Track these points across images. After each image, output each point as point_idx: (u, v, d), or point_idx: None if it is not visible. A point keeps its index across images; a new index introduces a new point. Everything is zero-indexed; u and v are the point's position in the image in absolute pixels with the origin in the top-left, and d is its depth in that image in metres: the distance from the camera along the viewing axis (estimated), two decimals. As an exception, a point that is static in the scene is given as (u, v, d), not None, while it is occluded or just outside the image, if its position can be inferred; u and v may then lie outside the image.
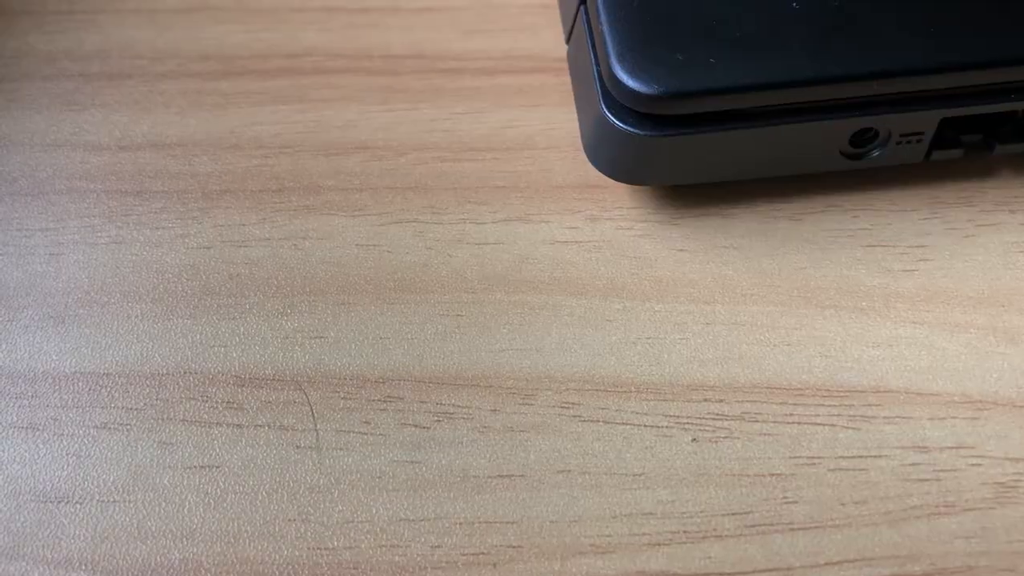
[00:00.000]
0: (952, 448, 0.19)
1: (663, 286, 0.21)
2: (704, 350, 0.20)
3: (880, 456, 0.19)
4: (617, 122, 0.20)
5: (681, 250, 0.21)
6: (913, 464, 0.19)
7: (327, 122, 0.23)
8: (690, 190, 0.22)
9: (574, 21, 0.22)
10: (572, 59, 0.22)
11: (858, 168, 0.21)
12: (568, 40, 0.22)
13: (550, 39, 0.24)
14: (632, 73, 0.20)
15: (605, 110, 0.20)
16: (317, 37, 0.24)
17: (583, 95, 0.22)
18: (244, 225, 0.21)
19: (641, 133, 0.20)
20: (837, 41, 0.20)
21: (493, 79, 0.23)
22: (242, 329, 0.20)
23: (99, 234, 0.21)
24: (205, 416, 0.19)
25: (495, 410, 0.19)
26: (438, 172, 0.22)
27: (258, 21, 0.24)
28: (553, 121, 0.23)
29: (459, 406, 0.19)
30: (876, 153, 0.21)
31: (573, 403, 0.19)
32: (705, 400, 0.19)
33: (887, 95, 0.20)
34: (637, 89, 0.19)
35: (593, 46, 0.21)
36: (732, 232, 0.21)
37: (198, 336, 0.20)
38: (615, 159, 0.21)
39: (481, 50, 0.24)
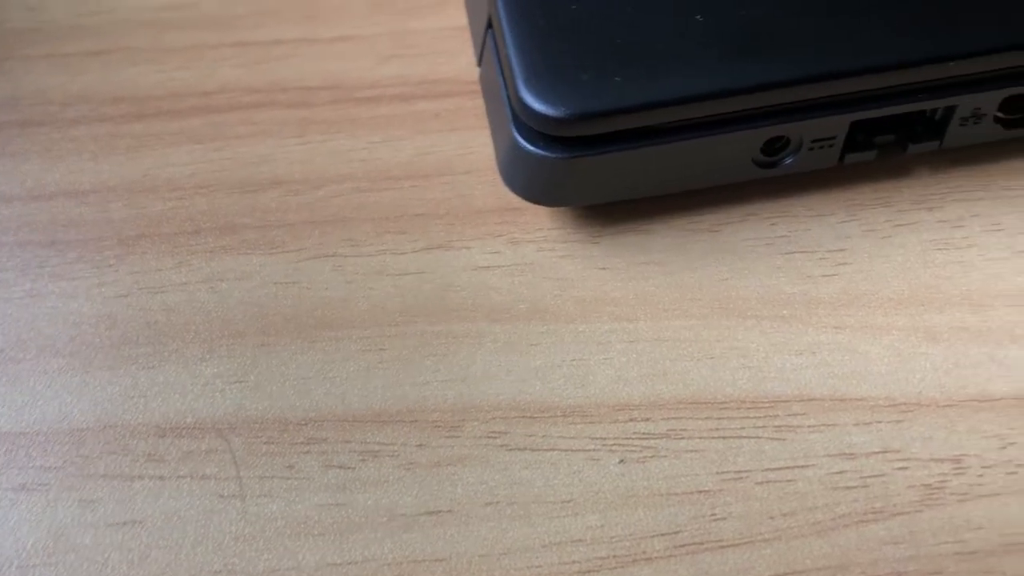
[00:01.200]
0: (878, 453, 0.18)
1: (586, 306, 0.20)
2: (628, 369, 0.19)
3: (807, 466, 0.18)
4: (528, 146, 0.19)
5: (603, 268, 0.20)
6: (840, 472, 0.18)
7: (242, 159, 0.22)
8: (609, 207, 0.21)
9: (483, 44, 0.21)
10: (484, 82, 0.22)
11: (772, 176, 0.20)
12: (479, 63, 0.22)
13: (466, 62, 0.23)
14: (539, 96, 0.19)
15: (516, 134, 0.19)
16: (232, 73, 0.23)
17: (495, 118, 0.21)
18: (160, 270, 0.20)
19: (552, 156, 0.19)
20: (743, 52, 0.19)
21: (410, 105, 0.23)
22: (161, 378, 0.19)
23: (13, 288, 0.20)
24: (126, 470, 0.18)
25: (421, 445, 0.19)
26: (356, 203, 0.21)
27: (172, 60, 0.23)
28: (471, 145, 0.22)
29: (384, 443, 0.18)
30: (789, 160, 0.20)
31: (500, 432, 0.19)
32: (631, 420, 0.19)
33: (795, 102, 0.19)
34: (545, 112, 0.19)
35: (501, 69, 0.20)
36: (652, 247, 0.20)
37: (117, 388, 0.19)
38: (530, 182, 0.20)
39: (397, 76, 0.23)
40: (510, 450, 0.18)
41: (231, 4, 0.24)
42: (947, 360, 0.19)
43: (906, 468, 0.18)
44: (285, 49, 0.23)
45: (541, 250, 0.20)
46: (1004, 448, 0.18)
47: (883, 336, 0.19)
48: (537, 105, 0.19)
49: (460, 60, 0.23)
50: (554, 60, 0.19)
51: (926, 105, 0.19)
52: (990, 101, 0.20)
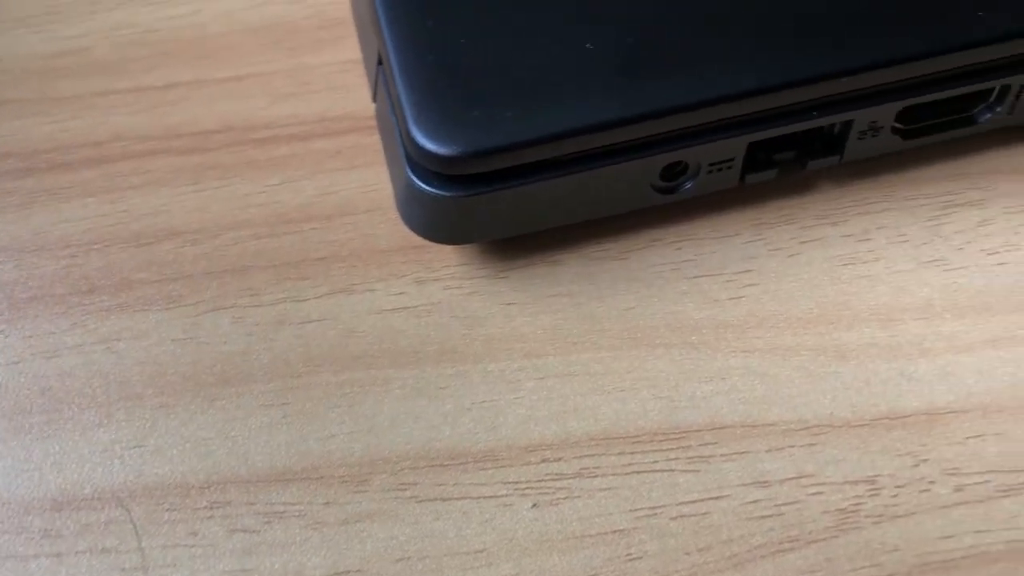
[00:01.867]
0: (792, 479, 0.18)
1: (495, 344, 0.19)
2: (539, 407, 0.18)
3: (721, 497, 0.18)
4: (423, 185, 0.18)
5: (510, 304, 0.20)
6: (754, 501, 0.17)
7: (136, 210, 0.21)
8: (515, 240, 0.20)
9: (376, 81, 0.20)
10: (379, 119, 0.21)
11: (674, 201, 0.20)
12: (374, 99, 0.21)
13: (365, 96, 0.22)
14: (430, 135, 0.18)
15: (410, 173, 0.19)
16: (124, 121, 0.22)
17: (391, 156, 0.20)
18: (54, 333, 0.19)
19: (448, 195, 0.18)
20: (635, 79, 0.18)
21: (308, 144, 0.22)
22: (57, 448, 0.18)
23: (-103, 363, 0.19)
24: (21, 549, 0.17)
25: (328, 503, 0.18)
26: (255, 250, 0.20)
27: (62, 110, 0.22)
28: (373, 182, 0.21)
29: (290, 503, 0.18)
30: (688, 185, 0.19)
31: (409, 483, 0.18)
32: (543, 461, 0.18)
33: (690, 127, 0.19)
34: (436, 151, 0.18)
35: (393, 107, 0.19)
36: (560, 279, 0.20)
37: (10, 461, 0.18)
38: (428, 222, 0.19)
39: (294, 115, 0.22)
40: (420, 501, 0.18)
41: (123, 48, 0.23)
42: (857, 378, 0.18)
43: (820, 493, 0.18)
44: (179, 92, 0.22)
45: (448, 288, 0.20)
46: (917, 466, 0.18)
47: (792, 357, 0.19)
48: (428, 144, 0.18)
49: (358, 95, 0.22)
50: (444, 97, 0.18)
51: (822, 122, 0.19)
52: (886, 113, 0.19)
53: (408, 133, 0.18)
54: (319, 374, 0.19)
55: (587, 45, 0.19)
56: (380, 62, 0.19)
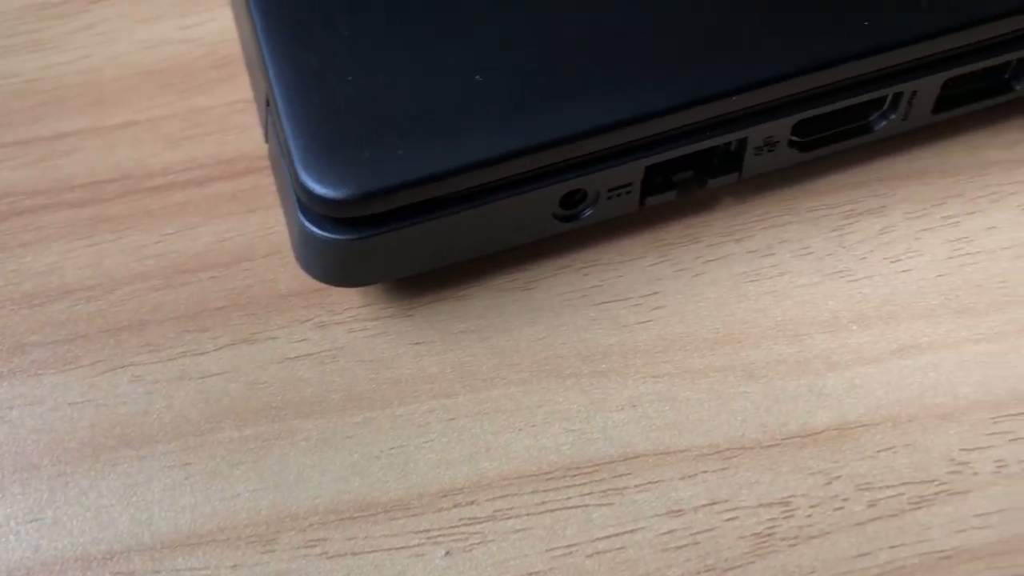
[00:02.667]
0: (706, 506, 0.17)
1: (402, 387, 0.18)
2: (450, 450, 0.18)
3: (636, 530, 0.17)
4: (316, 229, 0.17)
5: (417, 343, 0.19)
6: (669, 531, 0.17)
7: (28, 269, 0.19)
8: (420, 275, 0.19)
9: (266, 121, 0.20)
10: (272, 160, 0.20)
11: (575, 228, 0.19)
12: (266, 139, 0.20)
13: (260, 136, 0.21)
14: (319, 178, 0.17)
15: (302, 217, 0.18)
16: (13, 175, 0.21)
17: (284, 199, 0.19)
18: (-57, 406, 0.18)
19: (341, 238, 0.17)
20: (527, 109, 0.17)
21: (204, 189, 0.21)
22: (-52, 528, 0.17)
23: None
24: (-87, 641, 0.16)
25: (235, 565, 0.17)
26: (153, 304, 0.19)
27: (-53, 167, 0.21)
28: (272, 224, 0.20)
29: (196, 568, 0.17)
30: (589, 212, 0.19)
31: (319, 539, 0.17)
32: (456, 506, 0.17)
33: (585, 155, 0.18)
34: (326, 195, 0.17)
35: (281, 149, 0.18)
36: (467, 314, 0.19)
37: (-101, 547, 0.17)
38: (324, 266, 0.18)
39: (190, 159, 0.21)
40: (330, 557, 0.17)
41: (7, 99, 0.21)
42: (767, 397, 0.18)
43: (735, 518, 0.17)
44: (70, 143, 0.21)
45: (352, 331, 0.19)
46: (830, 483, 0.17)
47: (701, 380, 0.18)
48: (317, 188, 0.17)
49: (253, 134, 0.21)
50: (332, 138, 0.17)
51: (717, 141, 0.18)
52: (781, 128, 0.19)
53: (297, 177, 0.17)
54: (222, 430, 0.18)
55: (477, 77, 0.18)
56: (268, 103, 0.19)
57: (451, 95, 0.18)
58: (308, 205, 0.17)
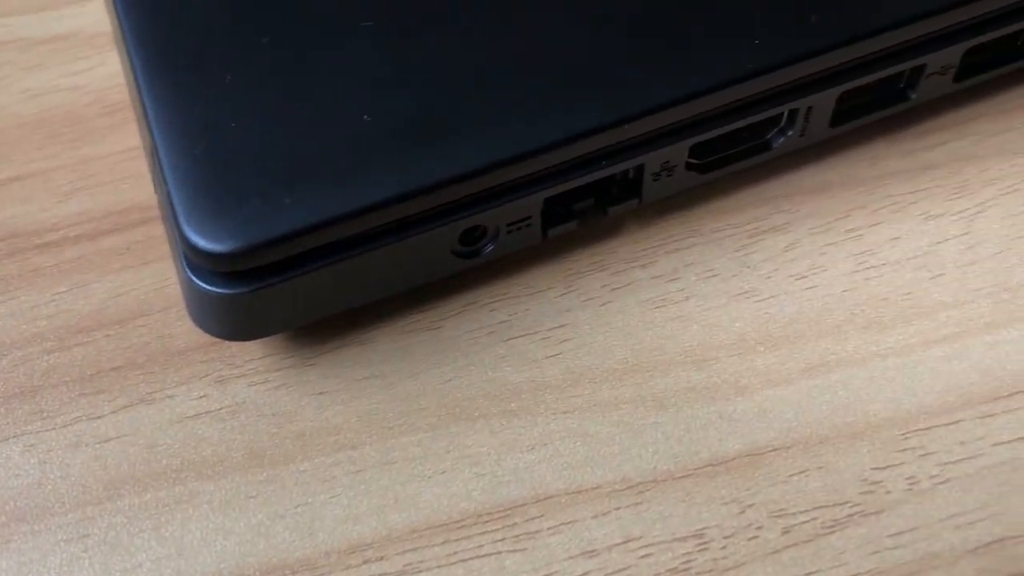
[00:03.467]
0: (620, 544, 0.16)
1: (307, 440, 0.17)
2: (357, 503, 0.17)
3: (550, 574, 0.16)
4: (203, 284, 0.17)
5: (320, 393, 0.18)
6: (584, 574, 0.16)
7: (-89, 340, 0.19)
8: (321, 321, 0.18)
9: (153, 172, 0.19)
10: (161, 211, 0.19)
11: (478, 265, 0.19)
12: (156, 190, 0.19)
13: (151, 185, 0.20)
14: (203, 232, 0.16)
15: (189, 272, 0.17)
16: None
17: (173, 253, 0.18)
18: None
19: (230, 292, 0.16)
20: (417, 148, 0.17)
21: (97, 243, 0.19)
22: None
23: None
24: None
25: (136, 642, 0.16)
26: (45, 368, 0.18)
27: None
28: (166, 277, 0.19)
29: (95, 649, 0.16)
30: (490, 248, 0.18)
31: (223, 607, 0.16)
32: (365, 562, 0.16)
33: (481, 191, 0.17)
34: (211, 249, 0.16)
35: (166, 202, 0.17)
36: (372, 359, 0.18)
37: None
38: (216, 321, 0.17)
39: (81, 212, 0.20)
40: (236, 626, 0.16)
41: None
42: (678, 426, 0.17)
43: (650, 555, 0.16)
44: (-46, 200, 0.20)
45: (252, 384, 0.18)
46: (743, 512, 0.17)
47: (612, 412, 0.18)
48: (202, 242, 0.16)
49: (146, 183, 0.20)
50: (216, 190, 0.16)
51: (613, 170, 0.18)
52: (677, 153, 0.18)
53: (181, 232, 0.16)
54: (121, 497, 0.17)
55: (365, 117, 0.17)
56: (152, 153, 0.18)
57: (339, 138, 0.17)
58: (194, 260, 0.16)
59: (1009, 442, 0.17)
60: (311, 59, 0.18)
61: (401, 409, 0.18)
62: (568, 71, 0.17)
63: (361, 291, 0.18)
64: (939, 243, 0.19)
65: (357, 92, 0.17)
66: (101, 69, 0.22)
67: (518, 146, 0.17)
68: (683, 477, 0.17)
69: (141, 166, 0.20)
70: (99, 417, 0.17)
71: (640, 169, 0.18)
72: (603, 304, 0.19)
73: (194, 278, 0.17)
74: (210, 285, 0.16)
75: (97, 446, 0.17)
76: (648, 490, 0.17)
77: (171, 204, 0.16)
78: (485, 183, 0.17)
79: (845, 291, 0.18)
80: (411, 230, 0.17)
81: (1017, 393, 0.17)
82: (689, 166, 0.19)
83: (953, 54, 0.19)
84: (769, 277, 0.19)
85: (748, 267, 0.19)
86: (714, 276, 0.19)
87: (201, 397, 0.18)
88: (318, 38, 0.18)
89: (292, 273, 0.17)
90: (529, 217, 0.18)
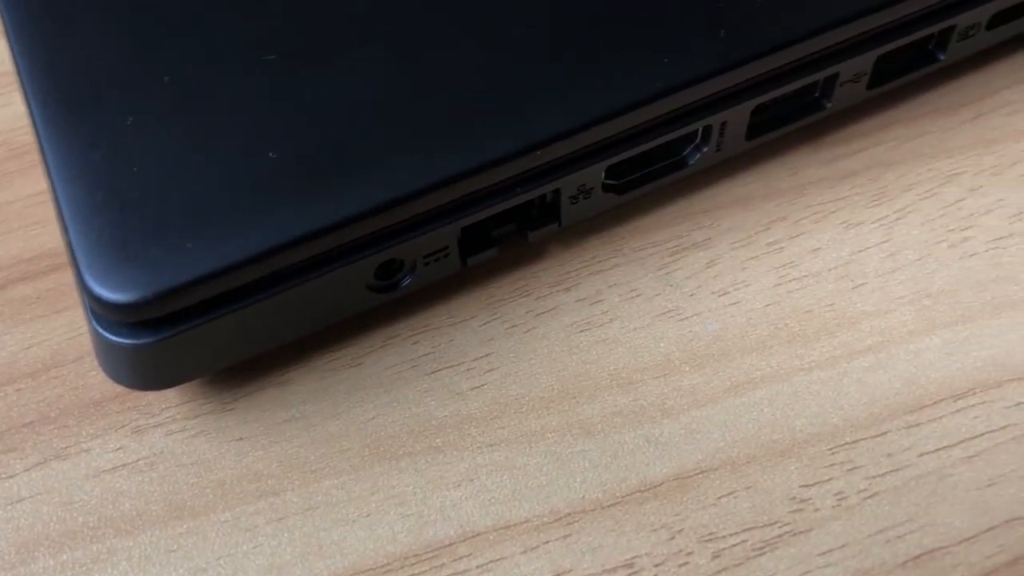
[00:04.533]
0: (550, 579, 0.16)
1: (227, 489, 0.16)
2: (281, 552, 0.16)
3: (475, 615, 0.16)
4: (109, 335, 0.16)
5: (240, 439, 0.17)
6: (513, 612, 0.16)
7: None
8: (240, 363, 0.17)
9: (58, 218, 0.18)
10: (70, 260, 0.18)
11: (397, 298, 0.18)
12: (63, 239, 0.18)
13: (64, 227, 0.19)
14: (105, 282, 0.15)
15: (95, 323, 0.16)
16: None
17: (81, 303, 0.17)
18: None
19: (137, 343, 0.16)
20: (325, 184, 0.16)
21: (6, 293, 0.18)
22: None
23: None
24: None
25: None
26: (-47, 429, 0.17)
27: None
28: (80, 324, 0.18)
29: None
30: (408, 280, 0.17)
31: (143, 670, 0.16)
32: (290, 613, 0.16)
33: (394, 224, 0.16)
34: (114, 299, 0.15)
35: (68, 251, 0.16)
36: (292, 400, 0.17)
37: None
38: (126, 371, 0.16)
39: (-11, 261, 0.19)
40: None
41: None
42: (605, 453, 0.17)
43: (580, 588, 0.16)
44: None
45: (170, 433, 0.17)
46: (673, 538, 0.16)
47: (538, 442, 0.17)
48: (105, 292, 0.15)
49: (56, 228, 0.19)
50: (118, 237, 0.15)
51: (529, 195, 0.17)
52: (593, 175, 0.17)
53: (83, 282, 0.15)
54: (36, 560, 0.16)
55: (271, 154, 0.16)
56: (54, 199, 0.17)
57: (244, 177, 0.16)
58: (99, 311, 0.15)
59: (935, 451, 0.17)
60: (214, 96, 0.17)
61: (323, 451, 0.17)
62: (477, 98, 0.17)
63: (276, 333, 0.17)
64: (860, 252, 0.18)
65: (262, 128, 0.16)
66: (7, 110, 0.21)
67: (429, 177, 0.16)
68: (612, 505, 0.16)
69: (50, 211, 0.19)
70: (11, 476, 0.17)
71: (557, 193, 0.17)
72: (527, 331, 0.18)
73: (100, 329, 0.16)
74: (117, 336, 0.16)
75: (9, 507, 0.16)
76: (577, 521, 0.16)
77: (72, 253, 0.15)
78: (397, 216, 0.16)
79: (768, 305, 0.18)
80: (323, 268, 0.16)
81: (940, 401, 0.17)
82: (607, 187, 0.18)
83: (865, 61, 0.19)
84: (692, 295, 0.18)
85: (671, 285, 0.18)
86: (637, 296, 0.18)
87: (118, 449, 0.17)
88: (221, 74, 0.17)
89: (201, 320, 0.16)
90: (446, 247, 0.17)
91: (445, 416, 0.17)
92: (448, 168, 0.16)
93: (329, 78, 0.17)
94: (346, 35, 0.17)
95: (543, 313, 0.18)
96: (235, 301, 0.16)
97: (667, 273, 0.18)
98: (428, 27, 0.17)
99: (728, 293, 0.18)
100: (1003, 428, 0.17)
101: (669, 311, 0.18)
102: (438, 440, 0.17)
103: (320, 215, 0.16)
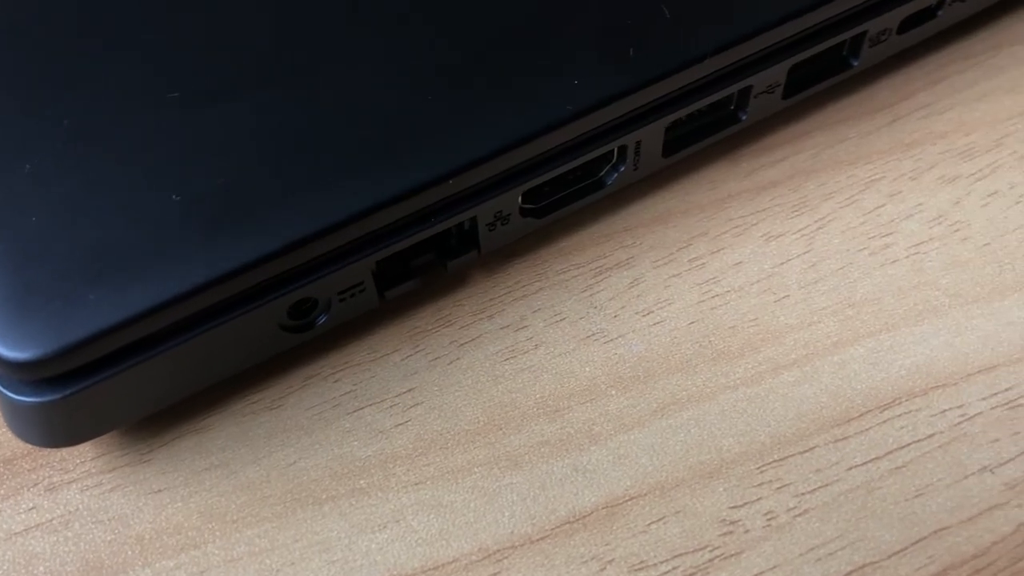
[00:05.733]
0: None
1: (146, 544, 0.15)
2: (202, 608, 0.16)
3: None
4: (11, 393, 0.15)
5: (159, 491, 0.16)
6: (444, 657, 0.15)
7: None
8: (157, 411, 0.16)
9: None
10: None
11: (314, 337, 0.17)
12: (-35, 293, 0.17)
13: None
14: (5, 339, 0.14)
15: (-4, 382, 0.15)
16: None
17: (-16, 362, 0.16)
18: None
19: (42, 401, 0.15)
20: (230, 225, 0.15)
21: (-90, 351, 0.18)
22: None
23: None
24: None
25: None
26: None
27: None
28: (-11, 380, 0.17)
29: None
30: (323, 319, 0.16)
31: None
32: (212, 672, 0.15)
33: (304, 263, 0.16)
34: (14, 357, 0.14)
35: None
36: (211, 448, 0.16)
37: None
38: (33, 430, 0.15)
39: None
40: None
41: None
42: (533, 485, 0.16)
43: (507, 628, 0.15)
44: None
45: (86, 489, 0.16)
46: (603, 569, 0.15)
47: (465, 478, 0.16)
48: (4, 351, 0.14)
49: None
50: (17, 291, 0.14)
51: (444, 225, 0.16)
52: (508, 201, 0.17)
53: (-25, 340, 0.14)
54: (-55, 633, 0.15)
55: (173, 197, 0.16)
56: (-51, 256, 0.16)
57: (145, 222, 0.15)
58: (0, 370, 0.15)
59: (863, 464, 0.16)
60: (115, 139, 0.16)
61: (245, 499, 0.16)
62: (385, 130, 0.16)
63: (188, 381, 0.16)
64: (782, 264, 0.18)
65: (165, 170, 0.15)
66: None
67: (337, 213, 0.15)
68: (541, 539, 0.16)
69: (-45, 261, 0.18)
70: (-83, 546, 0.16)
71: (474, 221, 0.17)
72: (451, 362, 0.17)
73: (3, 388, 0.15)
74: (20, 394, 0.15)
75: (-84, 579, 0.15)
76: (506, 557, 0.15)
77: (-38, 308, 0.15)
78: (307, 254, 0.15)
79: (692, 323, 0.17)
80: (232, 313, 0.15)
81: (867, 413, 0.16)
82: (524, 212, 0.17)
83: (778, 72, 0.18)
84: (616, 316, 0.18)
85: (595, 307, 0.18)
86: (562, 320, 0.18)
87: (31, 509, 0.16)
88: (123, 115, 0.16)
89: (108, 373, 0.15)
90: (361, 282, 0.16)
91: (369, 456, 0.16)
92: (357, 203, 0.15)
93: (233, 115, 0.16)
94: (250, 71, 0.16)
95: (467, 343, 0.17)
96: (142, 352, 0.15)
97: (591, 295, 0.18)
98: (332, 60, 0.16)
99: (652, 312, 0.18)
100: (929, 437, 0.16)
101: (594, 334, 0.17)
102: (362, 481, 0.16)
103: (225, 258, 0.15)
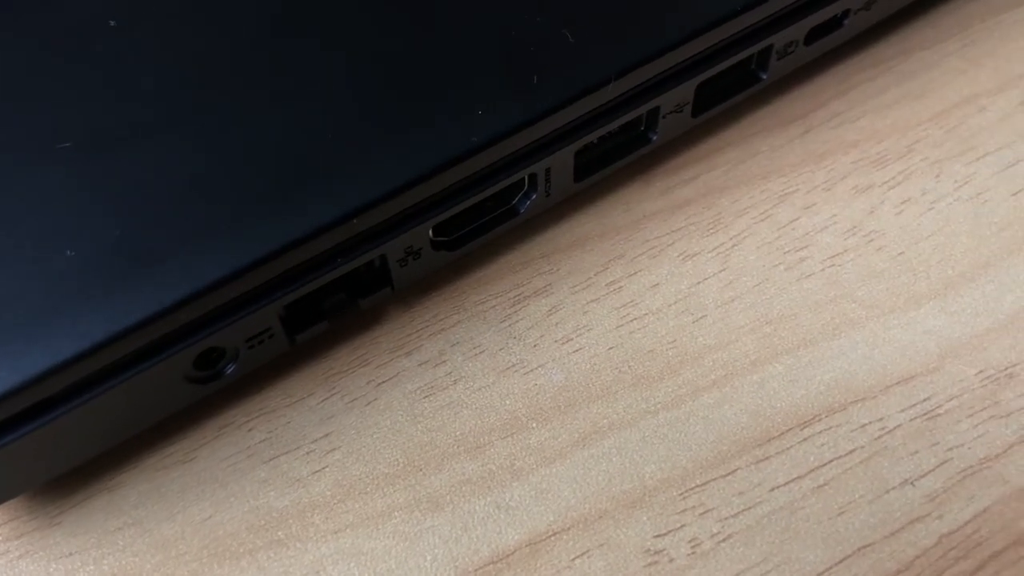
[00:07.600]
0: (403, 670, 0.15)
1: (56, 612, 0.15)
2: (115, 677, 0.15)
3: None
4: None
5: (69, 555, 0.15)
6: None
7: None
8: (65, 473, 0.15)
9: None
10: None
11: (223, 388, 0.16)
12: None
13: None
14: None
15: None
16: None
17: None
18: None
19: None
20: (126, 278, 0.14)
21: None
22: None
23: None
24: None
25: None
26: None
27: None
28: None
29: None
30: (231, 368, 0.15)
31: None
32: None
33: (205, 313, 0.15)
34: None
35: None
36: (123, 506, 0.15)
37: None
38: None
39: None
40: None
41: None
42: (455, 526, 0.15)
43: (436, 676, 0.15)
44: None
45: (-8, 559, 0.15)
46: (528, 609, 0.15)
47: (385, 523, 0.15)
48: None
49: None
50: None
51: (351, 265, 0.15)
52: (419, 236, 0.16)
53: None
54: None
55: (68, 252, 0.15)
56: None
57: (38, 279, 0.14)
58: None
59: (785, 484, 0.16)
60: (6, 193, 0.15)
61: (159, 559, 0.15)
62: (283, 172, 0.15)
63: (94, 440, 0.15)
64: (699, 283, 0.17)
65: (58, 225, 0.14)
66: None
67: (238, 260, 0.14)
68: (464, 582, 0.15)
69: None
70: None
71: (384, 258, 0.16)
72: (369, 403, 0.16)
73: None
74: (-89, 463, 0.14)
75: None
76: (429, 603, 0.15)
77: None
78: (208, 304, 0.14)
79: (611, 348, 0.17)
80: (135, 368, 0.14)
81: (788, 431, 0.16)
82: (436, 245, 0.17)
83: (686, 91, 0.18)
84: (535, 345, 0.17)
85: (514, 338, 0.17)
86: (481, 353, 0.17)
87: (-68, 585, 0.15)
88: (13, 166, 0.15)
89: (7, 439, 0.14)
90: (269, 328, 0.15)
91: (286, 506, 0.15)
92: (257, 248, 0.14)
93: (129, 164, 0.15)
94: (145, 118, 0.15)
95: (384, 382, 0.17)
96: (43, 414, 0.14)
97: (510, 325, 0.17)
98: (229, 103, 0.15)
99: (571, 340, 0.17)
100: (850, 453, 0.16)
101: (513, 365, 0.17)
102: (280, 533, 0.15)
103: (124, 313, 0.14)
